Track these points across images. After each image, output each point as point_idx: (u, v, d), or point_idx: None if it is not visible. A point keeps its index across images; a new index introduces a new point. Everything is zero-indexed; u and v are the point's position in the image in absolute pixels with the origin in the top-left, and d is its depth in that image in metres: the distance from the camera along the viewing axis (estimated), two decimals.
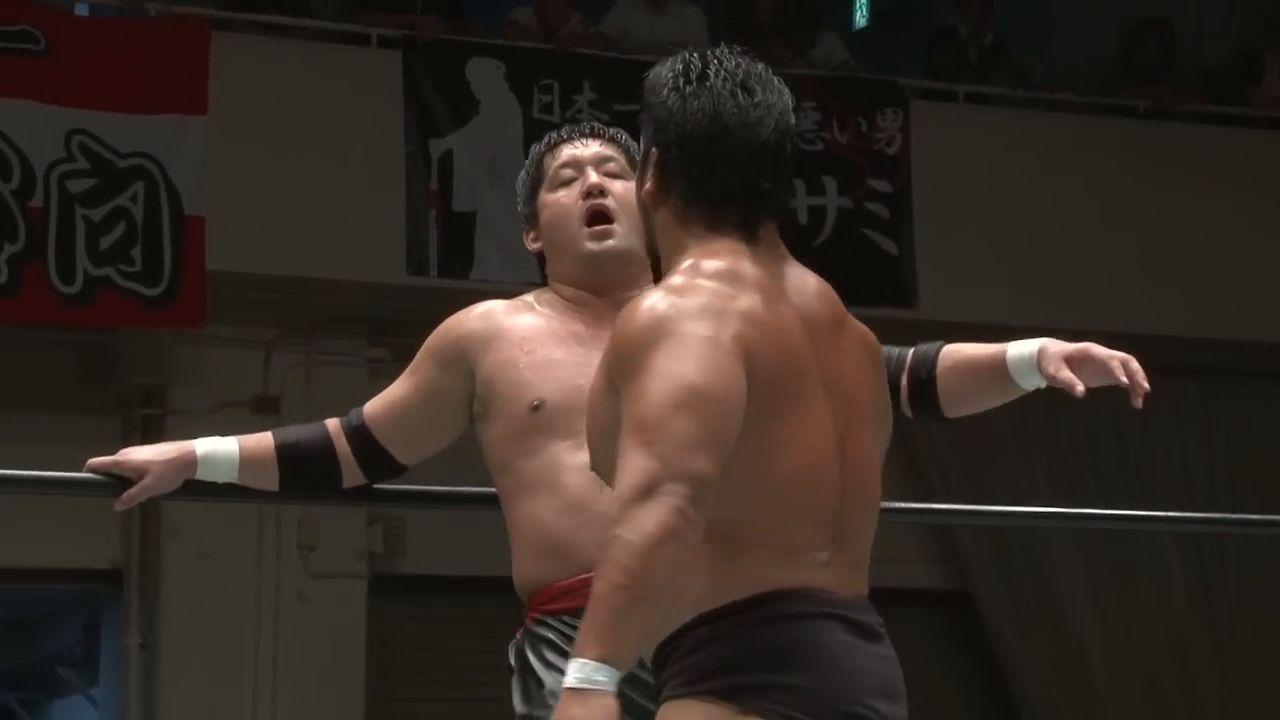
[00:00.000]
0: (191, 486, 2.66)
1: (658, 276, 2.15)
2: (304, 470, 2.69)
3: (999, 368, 2.71)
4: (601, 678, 1.89)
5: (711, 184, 2.11)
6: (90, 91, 6.65)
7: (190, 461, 2.67)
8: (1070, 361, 2.65)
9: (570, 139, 2.78)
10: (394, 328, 6.88)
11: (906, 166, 7.59)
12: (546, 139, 2.82)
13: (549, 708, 2.46)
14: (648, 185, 2.16)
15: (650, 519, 1.88)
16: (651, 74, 2.19)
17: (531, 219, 2.77)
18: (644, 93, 2.18)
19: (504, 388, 2.65)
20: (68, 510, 6.44)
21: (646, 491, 1.90)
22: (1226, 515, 5.80)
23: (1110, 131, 7.98)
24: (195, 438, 2.75)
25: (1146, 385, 2.58)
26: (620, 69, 7.23)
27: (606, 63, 7.35)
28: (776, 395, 2.03)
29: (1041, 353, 2.66)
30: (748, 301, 2.02)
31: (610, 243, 2.68)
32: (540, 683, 2.59)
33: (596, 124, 2.86)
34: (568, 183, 2.74)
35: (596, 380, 2.10)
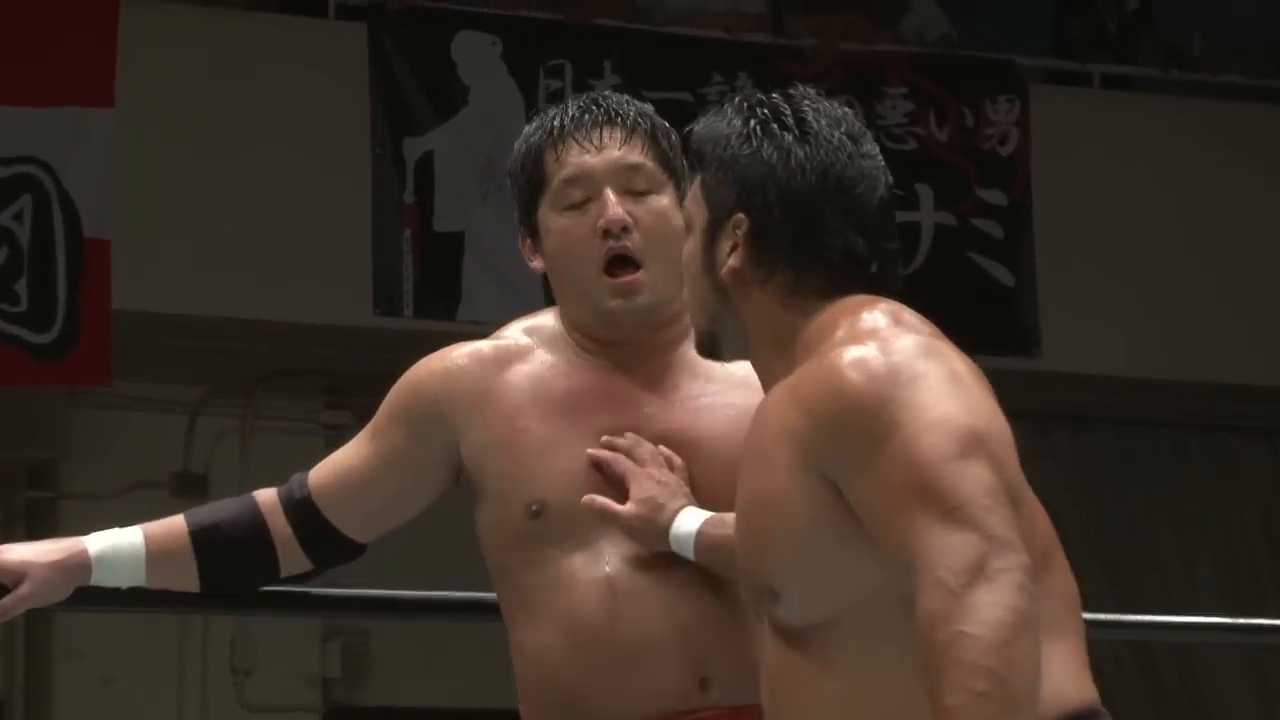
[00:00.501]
0: (86, 594, 2.56)
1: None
2: (230, 560, 2.51)
3: None
4: None
5: (831, 248, 2.07)
6: None
7: (82, 563, 2.51)
8: None
9: (581, 131, 2.46)
10: (357, 384, 6.33)
11: (1026, 172, 7.12)
12: (548, 124, 2.48)
13: None
14: (730, 263, 2.08)
15: (998, 604, 1.81)
16: (708, 126, 2.13)
17: (532, 232, 2.49)
18: (699, 146, 2.12)
19: (495, 481, 2.44)
20: None
21: (976, 571, 1.82)
22: None
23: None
24: (93, 530, 2.59)
25: None
26: (652, 44, 7.01)
27: (634, 37, 7.03)
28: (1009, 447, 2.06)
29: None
30: (945, 345, 1.99)
31: (639, 300, 2.43)
32: None
33: (617, 104, 2.49)
34: (579, 205, 2.46)
35: (767, 473, 2.02)
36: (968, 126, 7.08)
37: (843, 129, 2.07)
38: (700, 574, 2.41)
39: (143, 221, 6.25)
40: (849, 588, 1.96)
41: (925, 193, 6.97)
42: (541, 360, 2.46)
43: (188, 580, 2.52)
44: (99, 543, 2.49)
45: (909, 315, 2.02)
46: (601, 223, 2.39)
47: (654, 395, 2.46)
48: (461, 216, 6.60)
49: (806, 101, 2.08)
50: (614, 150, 2.45)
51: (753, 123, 2.07)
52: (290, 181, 6.52)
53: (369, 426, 2.52)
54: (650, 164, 2.46)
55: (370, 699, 6.68)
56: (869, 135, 2.08)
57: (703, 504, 2.41)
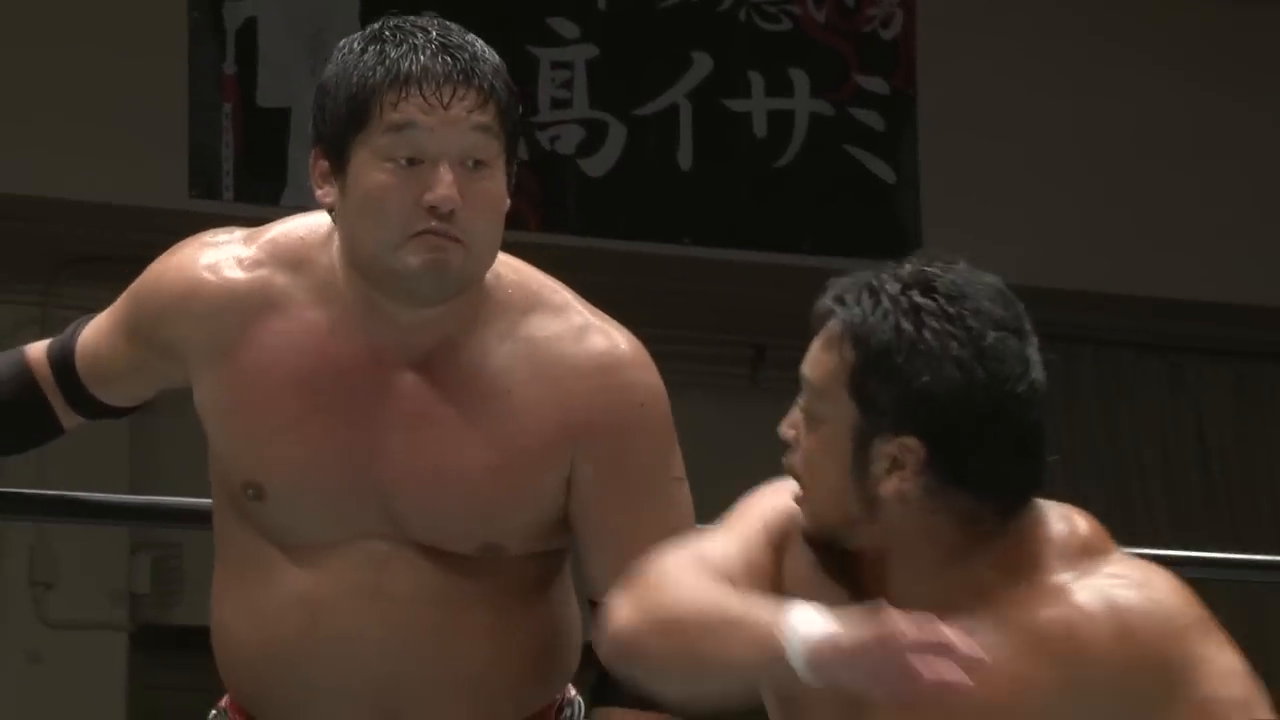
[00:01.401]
0: None
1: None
2: (5, 411, 2.39)
3: None
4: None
5: (1011, 475, 2.02)
6: None
7: None
8: None
9: (429, 83, 2.21)
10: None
11: (911, 59, 6.68)
12: (390, 63, 2.21)
13: None
14: (894, 484, 2.00)
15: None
16: (863, 315, 2.01)
17: (333, 162, 2.21)
18: (849, 332, 2.02)
19: (220, 443, 2.26)
20: None
21: None
22: None
23: (1202, 10, 6.91)
24: None
25: None
26: None
27: None
28: None
29: None
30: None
31: (447, 281, 2.21)
32: None
33: (473, 57, 2.23)
34: (406, 166, 2.21)
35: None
36: (847, 6, 6.63)
37: (1010, 330, 2.02)
38: (415, 610, 2.29)
39: None
40: None
41: (800, 78, 6.57)
42: (300, 317, 2.26)
43: None
44: None
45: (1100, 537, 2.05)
46: (430, 198, 2.22)
47: (415, 402, 2.26)
48: (288, 91, 6.12)
49: (967, 301, 1.99)
50: (461, 114, 2.24)
51: (926, 334, 1.99)
52: (95, 47, 6.04)
53: (118, 315, 2.37)
54: (495, 134, 2.26)
55: (183, 618, 6.20)
56: (1026, 318, 2.03)
57: (419, 519, 2.28)
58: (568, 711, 2.39)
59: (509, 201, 2.30)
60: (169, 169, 6.05)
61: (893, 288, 1.98)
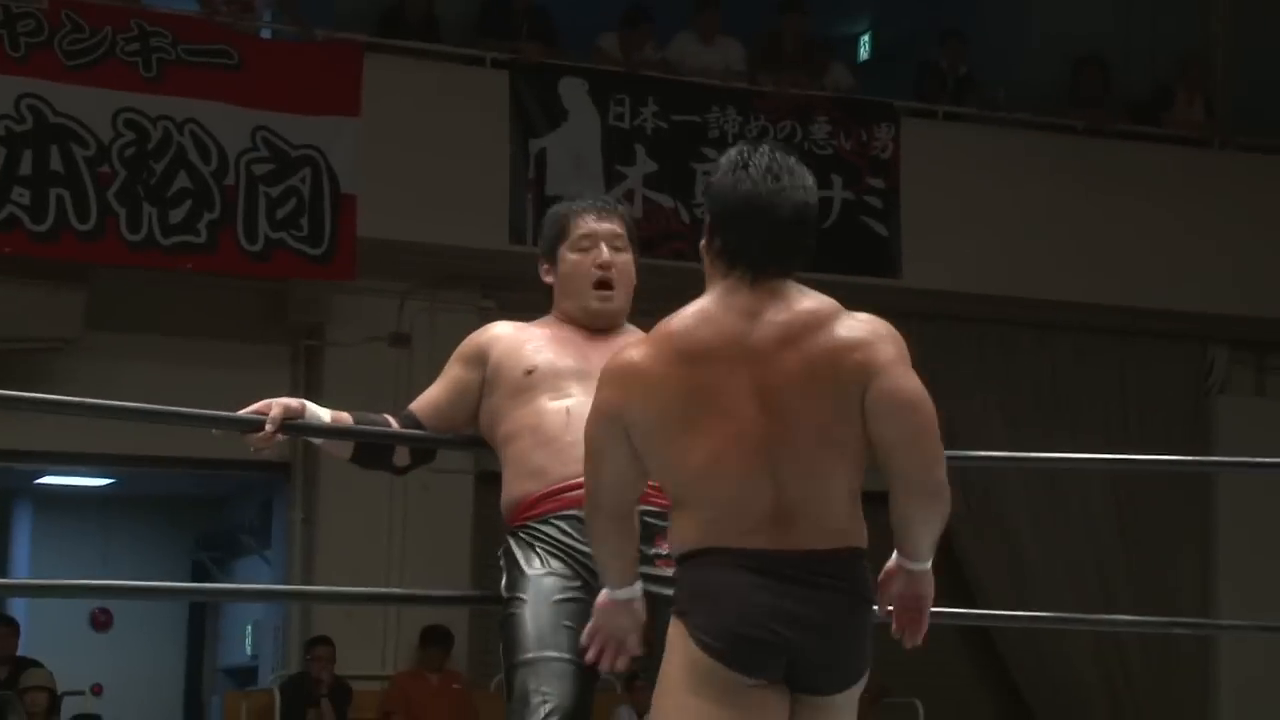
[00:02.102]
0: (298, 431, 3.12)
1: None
2: (371, 448, 3.18)
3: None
4: (608, 593, 2.78)
5: (735, 241, 2.60)
6: (270, 96, 7.72)
7: (300, 410, 3.12)
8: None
9: (591, 210, 3.19)
10: (499, 283, 7.70)
11: (897, 169, 8.54)
12: (571, 204, 3.23)
13: (528, 588, 2.99)
14: (703, 240, 2.70)
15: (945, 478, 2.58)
16: (721, 157, 2.69)
17: (550, 261, 3.21)
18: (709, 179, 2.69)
19: (508, 363, 3.13)
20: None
21: (943, 463, 2.58)
22: (1136, 457, 6.58)
23: (1057, 144, 9.04)
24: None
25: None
26: (677, 88, 8.40)
27: (666, 83, 8.45)
28: (679, 420, 2.60)
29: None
30: (657, 355, 2.62)
31: (610, 305, 3.17)
32: (523, 571, 3.03)
33: (609, 202, 3.27)
34: (585, 249, 3.16)
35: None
36: (863, 141, 8.55)
37: (767, 169, 2.57)
38: None
39: (375, 185, 7.70)
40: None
41: (837, 180, 8.50)
42: (541, 327, 3.24)
43: (344, 451, 3.20)
44: (310, 407, 3.12)
45: (713, 313, 2.60)
46: (598, 261, 3.16)
47: (594, 350, 3.13)
48: (561, 186, 7.60)
49: (762, 153, 2.60)
50: (607, 224, 3.19)
51: (726, 161, 2.66)
52: (460, 163, 7.95)
53: (442, 374, 3.18)
54: (623, 234, 3.21)
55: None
56: (800, 173, 2.56)
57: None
58: None
59: (634, 274, 3.16)
60: (499, 227, 8.03)
61: (733, 151, 2.65)
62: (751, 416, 2.60)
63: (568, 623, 2.95)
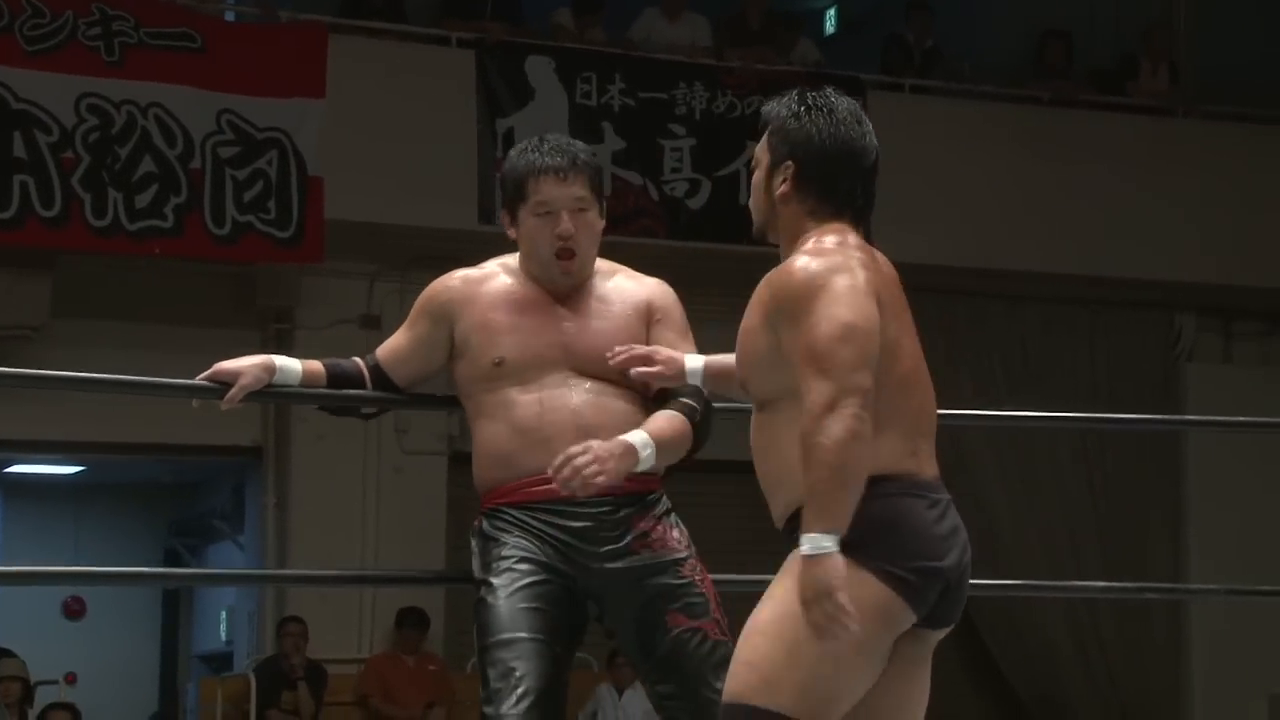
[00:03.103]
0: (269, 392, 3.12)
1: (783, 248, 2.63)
2: (344, 388, 3.20)
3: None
4: (828, 544, 2.42)
5: (839, 190, 2.61)
6: (235, 79, 7.70)
7: (271, 367, 3.10)
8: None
9: (551, 171, 3.10)
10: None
11: None
12: (533, 159, 3.12)
13: (500, 571, 3.00)
14: (782, 188, 2.61)
15: (839, 427, 2.37)
16: (775, 105, 2.65)
17: (511, 217, 3.17)
18: (768, 117, 2.65)
19: (476, 344, 3.09)
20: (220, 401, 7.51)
21: (830, 407, 2.38)
22: (1103, 415, 6.66)
23: (1023, 115, 9.14)
24: (317, 348, 3.46)
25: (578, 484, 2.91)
26: (644, 65, 8.46)
27: (632, 60, 8.53)
28: (891, 317, 2.56)
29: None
30: (863, 258, 2.57)
31: (572, 276, 3.14)
32: (498, 552, 3.04)
33: (572, 154, 3.13)
34: (545, 215, 3.11)
35: (750, 320, 2.58)
36: None
37: (854, 114, 2.61)
38: (591, 397, 3.00)
39: (342, 167, 7.70)
40: (779, 383, 2.56)
41: None
42: (505, 281, 3.15)
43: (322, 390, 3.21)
44: (281, 360, 3.12)
45: (852, 238, 2.55)
46: (558, 231, 3.10)
47: (567, 308, 3.12)
48: None
49: (834, 98, 2.63)
50: (568, 188, 3.09)
51: (801, 106, 2.61)
52: (428, 144, 7.97)
53: (408, 321, 3.16)
54: (588, 194, 3.12)
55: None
56: (868, 122, 2.61)
57: (586, 362, 2.99)
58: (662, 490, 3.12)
59: (602, 223, 3.09)
60: (468, 208, 7.97)
61: (796, 94, 2.65)
62: (912, 337, 2.63)
63: (539, 605, 2.98)
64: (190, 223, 7.64)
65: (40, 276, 7.81)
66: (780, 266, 2.56)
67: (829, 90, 2.66)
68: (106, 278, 7.97)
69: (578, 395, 3.03)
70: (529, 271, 3.13)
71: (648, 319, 3.08)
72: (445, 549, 8.05)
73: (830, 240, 2.55)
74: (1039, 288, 9.08)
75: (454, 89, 8.14)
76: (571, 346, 3.06)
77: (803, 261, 2.52)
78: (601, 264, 3.19)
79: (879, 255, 2.63)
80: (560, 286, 3.08)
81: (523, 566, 3.00)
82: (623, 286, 3.13)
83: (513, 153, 3.16)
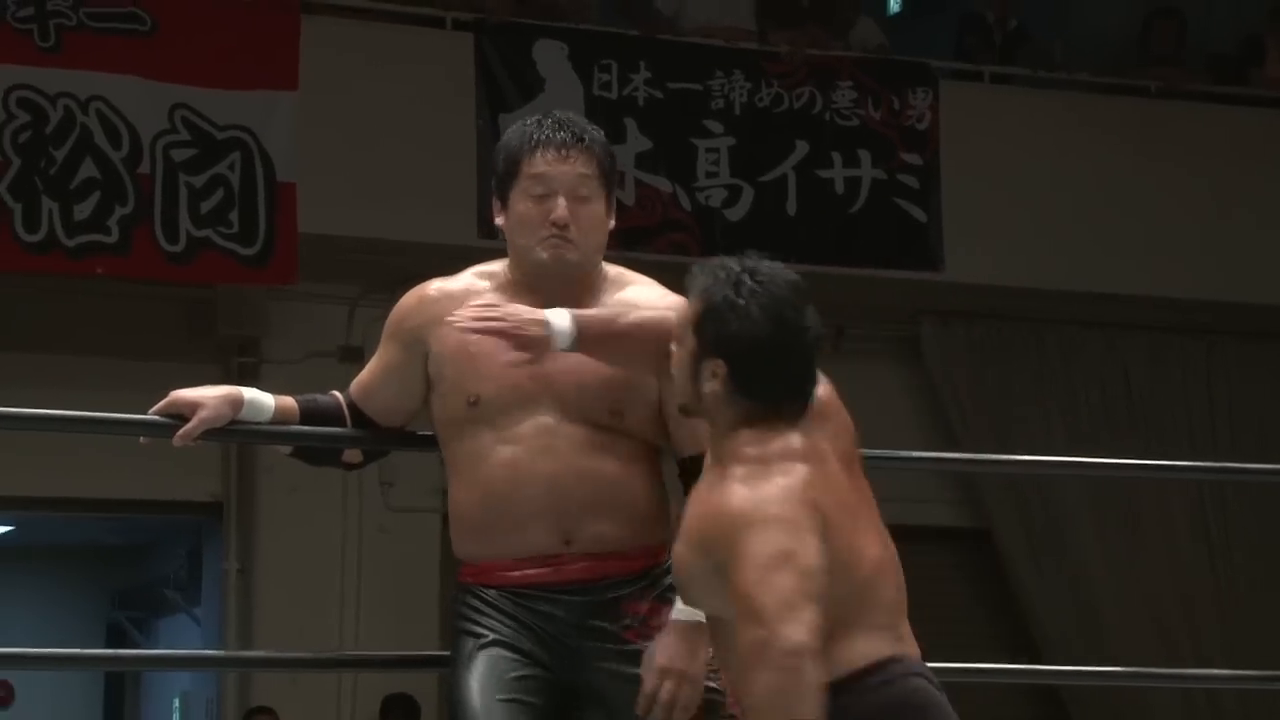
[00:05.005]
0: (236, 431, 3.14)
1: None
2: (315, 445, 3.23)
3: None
4: None
5: (776, 390, 2.77)
6: (191, 68, 7.72)
7: (237, 400, 3.10)
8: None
9: (550, 144, 3.10)
10: None
11: (935, 141, 8.65)
12: (530, 134, 3.13)
13: (466, 667, 3.06)
14: (711, 386, 2.79)
15: (767, 680, 2.59)
16: (702, 279, 2.78)
17: (502, 202, 3.19)
18: (701, 291, 2.76)
19: (450, 377, 3.10)
20: (173, 448, 7.34)
21: (760, 654, 2.60)
22: (1224, 465, 6.85)
23: (1123, 109, 9.14)
24: (288, 384, 3.44)
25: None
26: (673, 50, 8.52)
27: (661, 45, 8.57)
28: (842, 521, 2.74)
29: None
30: (803, 469, 2.73)
31: (566, 264, 3.10)
32: (472, 633, 3.12)
33: (580, 129, 3.13)
34: (538, 198, 3.10)
35: (679, 546, 2.79)
36: (895, 109, 8.62)
37: (792, 299, 2.71)
38: (575, 459, 3.03)
39: (317, 171, 7.69)
40: (724, 609, 2.75)
41: (865, 156, 8.58)
42: (489, 295, 3.11)
43: (286, 446, 3.24)
44: (249, 393, 3.11)
45: (789, 440, 2.70)
46: (553, 217, 3.07)
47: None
48: None
49: (769, 276, 2.73)
50: (572, 165, 3.06)
51: (729, 291, 2.75)
52: (418, 144, 7.98)
53: (378, 350, 3.19)
54: (595, 178, 3.08)
55: None
56: (808, 294, 2.70)
57: (572, 403, 3.04)
58: (666, 556, 3.06)
59: (612, 221, 3.05)
60: (465, 219, 7.91)
61: (729, 269, 2.75)
62: (873, 521, 2.85)
63: (518, 696, 3.04)
64: (138, 238, 7.73)
65: None
66: (709, 490, 2.75)
67: (761, 266, 2.75)
68: (40, 303, 8.07)
69: (557, 457, 3.05)
70: (518, 277, 3.13)
71: (663, 351, 2.96)
72: (439, 624, 8.11)
73: (768, 449, 2.73)
74: (1144, 314, 9.13)
75: (449, 78, 8.24)
76: (555, 381, 3.06)
77: (732, 491, 2.71)
78: (612, 270, 3.17)
79: (823, 425, 2.79)
80: (551, 284, 3.05)
81: (497, 653, 3.08)
82: (636, 302, 3.09)
83: (509, 129, 3.19)
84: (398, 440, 3.28)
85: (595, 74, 8.40)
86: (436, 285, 3.17)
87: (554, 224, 3.04)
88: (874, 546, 2.78)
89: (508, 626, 3.09)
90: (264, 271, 7.89)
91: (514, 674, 3.05)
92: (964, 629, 8.53)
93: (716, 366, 2.75)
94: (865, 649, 2.75)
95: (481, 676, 3.04)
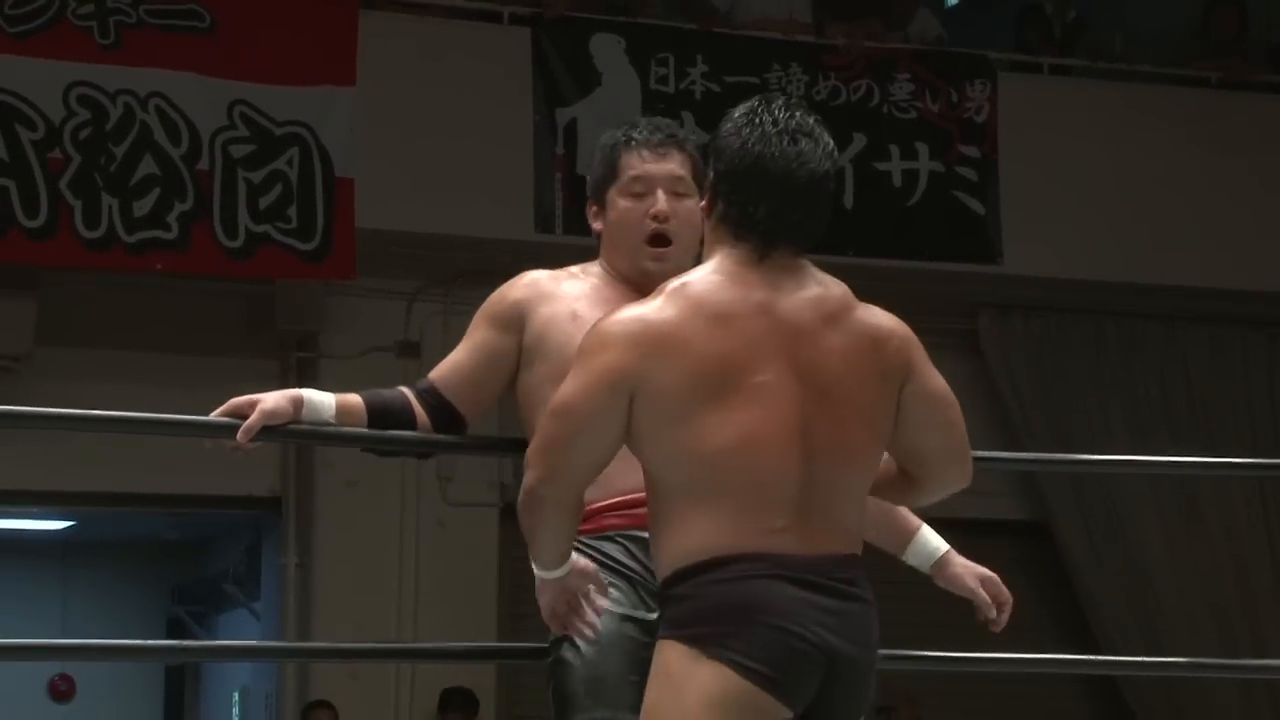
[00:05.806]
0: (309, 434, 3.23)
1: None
2: (389, 425, 3.24)
3: (902, 537, 3.33)
4: (544, 574, 2.90)
5: (741, 210, 2.81)
6: (250, 65, 7.79)
7: (298, 399, 3.15)
8: (974, 579, 3.32)
9: (646, 145, 3.23)
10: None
11: (994, 134, 8.70)
12: (624, 135, 3.28)
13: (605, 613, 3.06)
14: (703, 201, 2.93)
15: (524, 490, 2.88)
16: (730, 112, 2.90)
17: (599, 204, 3.27)
18: (716, 134, 2.88)
19: (555, 338, 3.16)
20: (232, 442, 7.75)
21: (527, 469, 2.86)
22: None
23: (1183, 100, 9.15)
24: (346, 379, 3.46)
25: (1002, 608, 3.28)
26: (730, 44, 8.56)
27: (717, 38, 8.60)
28: (706, 390, 2.75)
29: (944, 560, 3.32)
30: (688, 321, 2.80)
31: (667, 265, 3.17)
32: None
33: (671, 131, 3.29)
34: (638, 195, 3.19)
35: None
36: (953, 102, 8.69)
37: (785, 129, 2.76)
38: None
39: (375, 166, 7.78)
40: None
41: (922, 149, 8.63)
42: (586, 281, 3.25)
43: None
44: (309, 393, 3.17)
45: (726, 286, 2.76)
46: (653, 211, 3.18)
47: None
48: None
49: (779, 108, 2.79)
50: (668, 164, 3.19)
51: (735, 116, 2.86)
52: (476, 138, 8.10)
53: (467, 334, 3.23)
54: (688, 177, 3.21)
55: None
56: (818, 136, 2.76)
57: None
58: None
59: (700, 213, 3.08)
60: (522, 214, 8.09)
61: (750, 103, 2.84)
62: (791, 394, 2.75)
63: (633, 676, 2.96)
64: (198, 234, 7.77)
65: (23, 298, 7.90)
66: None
67: (784, 102, 2.82)
68: (100, 299, 8.11)
69: None
70: (616, 269, 3.20)
71: None
72: (497, 617, 8.22)
73: (688, 281, 2.80)
74: (1205, 306, 9.12)
75: (507, 73, 8.30)
76: None
77: (619, 314, 2.82)
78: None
79: (796, 296, 2.80)
80: (652, 278, 3.08)
81: (609, 621, 3.02)
82: None
83: (604, 135, 3.30)
84: (451, 443, 3.36)
85: (652, 68, 8.46)
86: (535, 272, 3.27)
87: (654, 217, 3.14)
88: (745, 423, 2.74)
89: (618, 586, 3.12)
90: (322, 267, 7.93)
91: (628, 639, 3.06)
92: (1023, 620, 8.42)
93: (709, 182, 2.85)
94: (704, 540, 2.74)
95: (593, 647, 3.05)
